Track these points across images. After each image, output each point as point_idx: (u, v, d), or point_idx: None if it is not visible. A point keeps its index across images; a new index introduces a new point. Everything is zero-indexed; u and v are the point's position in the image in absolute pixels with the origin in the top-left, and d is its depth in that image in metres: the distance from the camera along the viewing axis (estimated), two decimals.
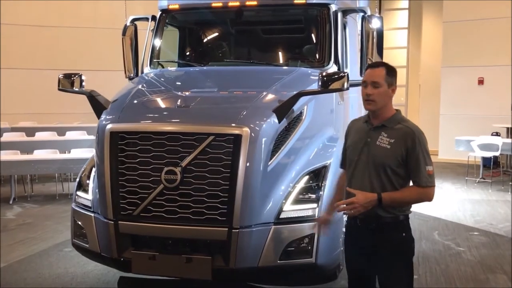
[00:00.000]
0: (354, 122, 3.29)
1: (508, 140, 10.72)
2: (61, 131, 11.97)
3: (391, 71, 3.02)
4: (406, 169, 2.96)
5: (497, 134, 12.03)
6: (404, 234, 3.03)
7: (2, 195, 9.38)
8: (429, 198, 2.98)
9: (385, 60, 15.19)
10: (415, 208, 7.65)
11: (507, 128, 12.20)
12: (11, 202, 8.91)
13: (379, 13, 16.68)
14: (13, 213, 8.22)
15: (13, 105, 14.21)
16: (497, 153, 10.48)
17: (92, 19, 14.77)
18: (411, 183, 3.00)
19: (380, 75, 2.97)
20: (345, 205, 2.95)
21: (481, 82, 13.48)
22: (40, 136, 11.41)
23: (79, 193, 4.62)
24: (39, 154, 9.39)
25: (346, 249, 3.23)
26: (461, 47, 13.65)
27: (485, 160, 11.10)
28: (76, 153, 9.50)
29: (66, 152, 10.11)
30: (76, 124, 13.23)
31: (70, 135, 11.55)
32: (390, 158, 2.94)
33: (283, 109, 4.07)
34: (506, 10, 12.65)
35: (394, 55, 17.34)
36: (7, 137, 11.14)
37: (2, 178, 10.63)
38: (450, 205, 8.65)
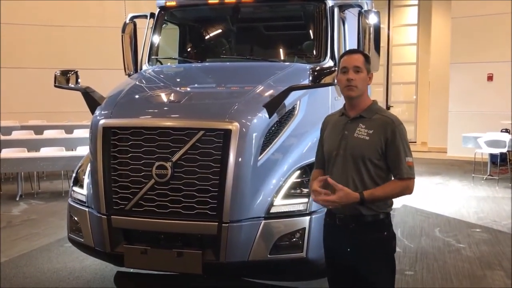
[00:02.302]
0: (329, 118, 3.17)
1: None
2: (69, 129, 12.10)
3: (368, 58, 2.95)
4: (385, 161, 2.86)
5: (507, 131, 11.88)
6: (385, 233, 2.93)
7: (9, 192, 9.51)
8: (410, 190, 2.86)
9: (394, 57, 15.18)
10: (418, 204, 7.51)
11: None
12: (17, 199, 9.02)
13: (389, 10, 16.64)
14: (18, 210, 8.33)
15: (23, 104, 14.42)
16: (504, 150, 10.35)
17: (101, 18, 14.90)
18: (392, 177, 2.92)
19: (360, 60, 2.90)
20: (323, 198, 2.79)
21: (490, 78, 13.32)
22: (47, 134, 11.53)
23: (75, 188, 4.67)
24: (45, 152, 9.50)
25: (325, 247, 3.13)
26: (470, 43, 13.51)
27: (493, 157, 10.95)
28: (81, 151, 9.55)
29: (73, 149, 10.22)
30: (85, 122, 13.35)
31: (77, 133, 11.66)
32: (370, 149, 2.84)
33: (274, 104, 4.06)
34: None
35: (404, 52, 17.22)
36: (16, 135, 11.29)
37: (11, 175, 10.78)
38: (455, 202, 8.56)
